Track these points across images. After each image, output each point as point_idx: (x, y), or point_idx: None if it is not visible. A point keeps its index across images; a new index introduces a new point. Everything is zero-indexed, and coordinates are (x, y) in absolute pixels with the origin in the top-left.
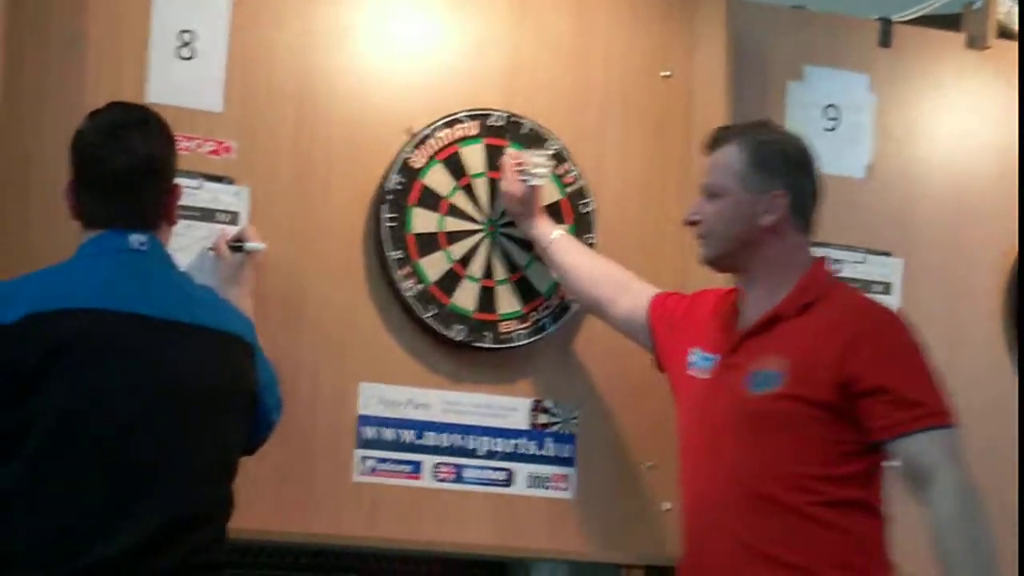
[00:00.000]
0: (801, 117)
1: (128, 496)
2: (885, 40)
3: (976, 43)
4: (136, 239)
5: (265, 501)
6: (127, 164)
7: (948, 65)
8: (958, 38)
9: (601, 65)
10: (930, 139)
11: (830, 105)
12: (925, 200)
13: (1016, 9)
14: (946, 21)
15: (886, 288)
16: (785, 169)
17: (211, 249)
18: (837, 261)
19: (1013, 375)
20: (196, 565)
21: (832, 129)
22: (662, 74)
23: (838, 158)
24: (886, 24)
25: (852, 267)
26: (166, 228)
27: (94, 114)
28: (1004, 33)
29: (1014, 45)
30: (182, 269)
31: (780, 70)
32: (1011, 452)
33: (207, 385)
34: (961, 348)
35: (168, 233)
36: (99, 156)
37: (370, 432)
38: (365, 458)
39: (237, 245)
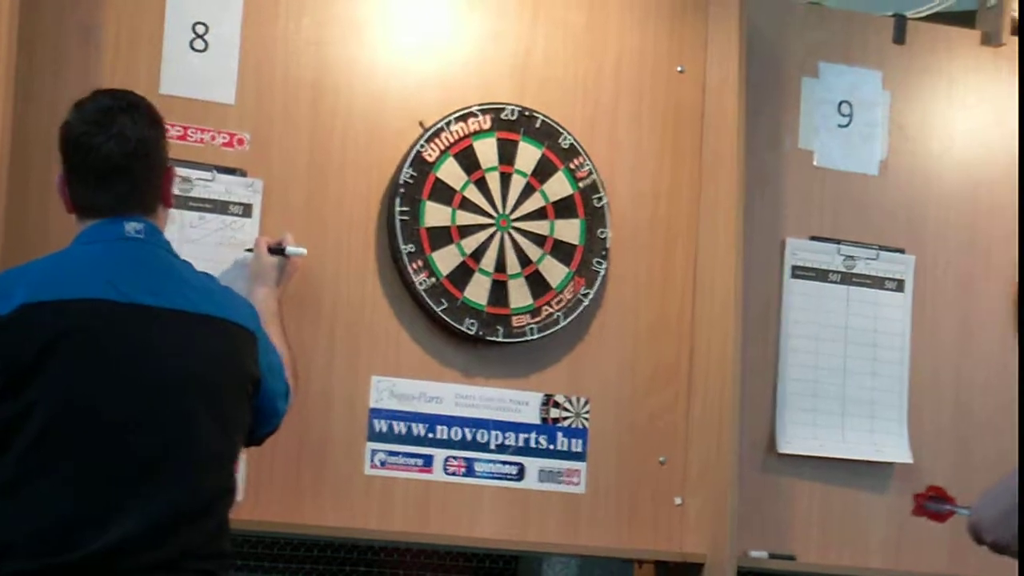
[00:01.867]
0: (815, 113)
1: (127, 487)
2: (899, 37)
3: (991, 40)
4: (132, 226)
5: (278, 494)
6: (119, 149)
7: (962, 62)
8: (972, 35)
9: (614, 59)
10: (943, 136)
11: (844, 101)
12: (938, 197)
13: None
14: (961, 18)
15: (899, 285)
16: None
17: (248, 250)
18: (850, 258)
19: None
20: (199, 555)
21: (846, 126)
22: (676, 69)
23: (852, 155)
24: (900, 21)
25: (865, 264)
26: (163, 212)
27: (80, 104)
28: (1019, 30)
29: None
30: (209, 262)
31: (794, 66)
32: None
33: (207, 373)
34: (972, 345)
35: (165, 217)
36: (90, 144)
37: (382, 425)
38: (376, 451)
39: (278, 249)
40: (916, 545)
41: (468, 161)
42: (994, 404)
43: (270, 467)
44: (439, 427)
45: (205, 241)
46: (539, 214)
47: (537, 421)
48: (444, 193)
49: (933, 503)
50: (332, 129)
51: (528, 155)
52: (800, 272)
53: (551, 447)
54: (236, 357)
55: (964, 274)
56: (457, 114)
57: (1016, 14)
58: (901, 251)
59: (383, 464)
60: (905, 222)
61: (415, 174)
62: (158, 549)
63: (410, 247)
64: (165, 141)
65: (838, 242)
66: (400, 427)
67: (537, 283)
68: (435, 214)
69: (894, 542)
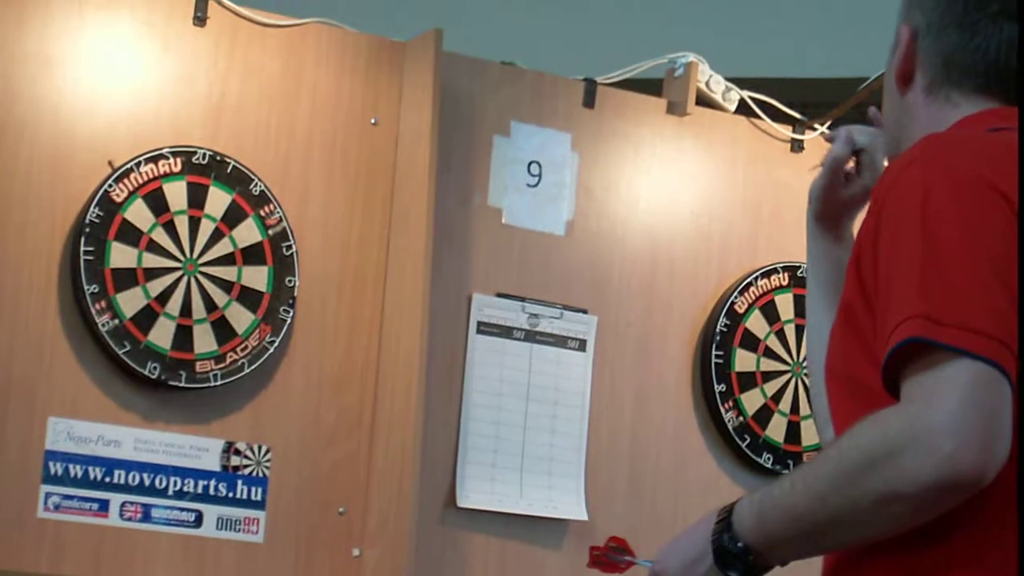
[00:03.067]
0: (505, 172)
1: None
2: (589, 100)
3: (676, 109)
4: None
5: None
6: None
7: (648, 129)
8: (659, 103)
9: (308, 107)
10: (628, 199)
11: (533, 161)
12: (621, 259)
13: (718, 79)
14: (649, 86)
15: (581, 344)
16: None
17: None
18: (534, 316)
19: (698, 430)
20: None
21: (535, 185)
22: (370, 121)
23: (539, 214)
24: (591, 85)
25: (549, 322)
26: None
27: None
28: (703, 101)
29: (713, 113)
30: None
31: (487, 124)
32: (693, 508)
33: None
34: (650, 405)
35: None
36: None
37: (57, 468)
38: (50, 494)
39: None
40: None
41: (157, 203)
42: (669, 462)
43: None
44: (117, 471)
45: None
46: (227, 260)
47: (217, 468)
48: (131, 234)
49: (614, 554)
50: (17, 163)
51: (218, 200)
52: (485, 328)
53: (231, 495)
54: None
55: (644, 336)
56: (147, 155)
57: (705, 85)
58: (584, 311)
59: (57, 507)
60: (589, 283)
61: (102, 214)
62: None
63: (94, 287)
64: None
65: (523, 300)
66: (76, 470)
67: (223, 329)
68: (121, 255)
69: None
